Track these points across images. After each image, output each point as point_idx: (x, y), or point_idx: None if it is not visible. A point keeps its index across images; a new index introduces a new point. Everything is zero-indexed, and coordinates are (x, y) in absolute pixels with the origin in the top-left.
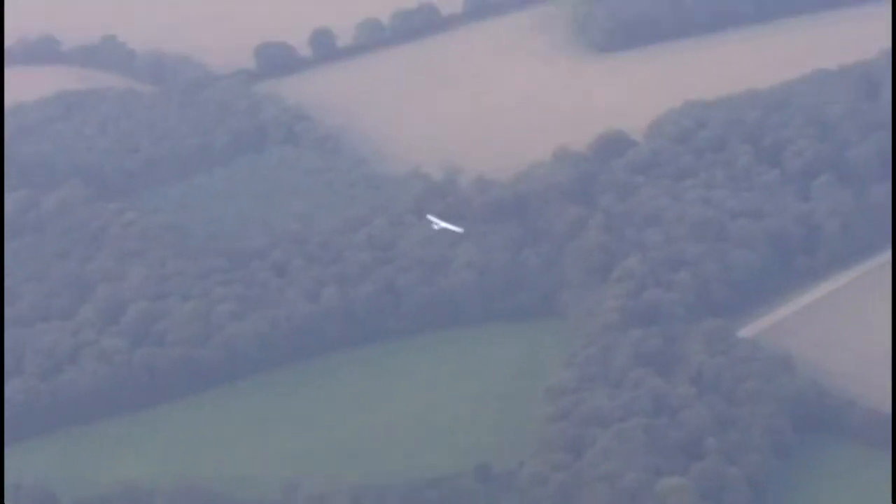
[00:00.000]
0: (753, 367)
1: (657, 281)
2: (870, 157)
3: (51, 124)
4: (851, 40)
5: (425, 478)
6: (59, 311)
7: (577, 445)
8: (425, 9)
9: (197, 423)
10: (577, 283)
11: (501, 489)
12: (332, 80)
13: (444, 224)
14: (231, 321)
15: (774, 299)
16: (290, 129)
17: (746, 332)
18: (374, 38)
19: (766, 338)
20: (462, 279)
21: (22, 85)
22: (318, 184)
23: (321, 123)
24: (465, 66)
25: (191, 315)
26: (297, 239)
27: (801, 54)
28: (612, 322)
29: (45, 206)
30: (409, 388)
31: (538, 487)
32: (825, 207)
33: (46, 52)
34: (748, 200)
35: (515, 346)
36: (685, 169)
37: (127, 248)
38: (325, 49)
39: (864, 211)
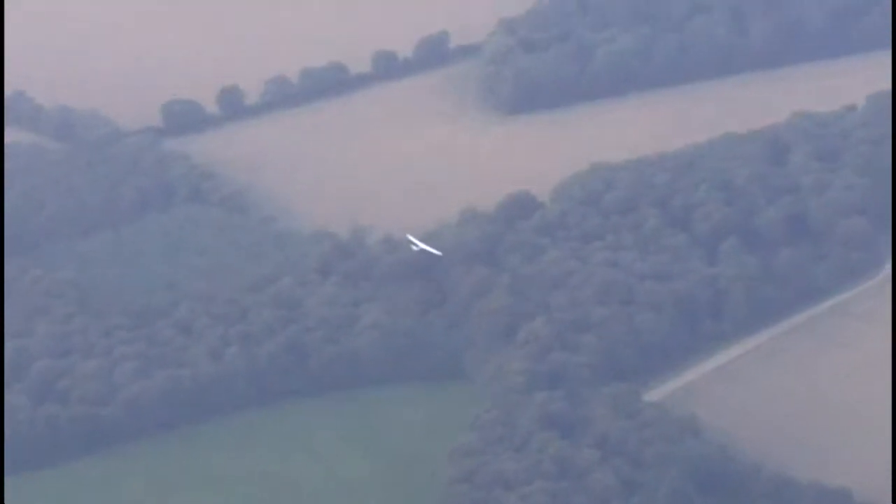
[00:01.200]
0: (659, 430)
1: (563, 343)
2: (777, 222)
3: None
4: (761, 104)
5: None
6: None
7: None
8: (334, 67)
9: (99, 482)
10: (483, 345)
11: None
12: (240, 138)
13: (423, 245)
14: (135, 379)
15: (681, 363)
16: (197, 187)
17: (652, 395)
18: (283, 95)
19: (672, 401)
20: (368, 339)
21: None
22: (225, 242)
23: (228, 181)
24: (374, 125)
25: (94, 373)
26: (202, 297)
27: (710, 118)
28: (517, 384)
29: None
30: (313, 448)
31: None
32: (732, 272)
33: None
34: (655, 263)
35: (420, 407)
36: (592, 231)
37: (31, 305)
38: (233, 107)
39: (770, 276)
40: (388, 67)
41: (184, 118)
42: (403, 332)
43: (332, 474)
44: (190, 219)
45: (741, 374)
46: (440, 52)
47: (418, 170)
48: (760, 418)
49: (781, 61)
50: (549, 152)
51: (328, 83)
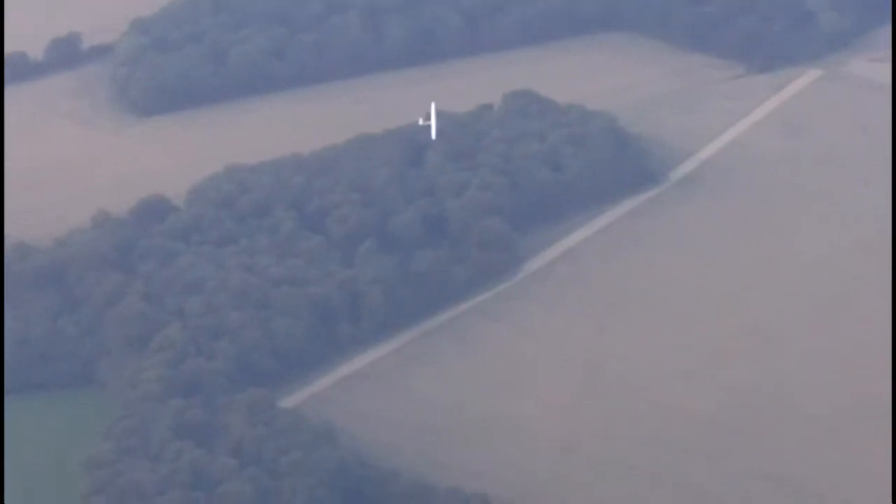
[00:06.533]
0: (296, 438)
1: (198, 350)
2: (413, 223)
3: None
4: (397, 105)
5: None
6: None
7: None
8: None
9: None
10: (117, 353)
11: None
12: None
13: (432, 121)
14: None
15: (318, 369)
16: None
17: (289, 402)
18: None
19: (308, 408)
20: None
21: None
22: None
23: None
24: (4, 129)
25: None
26: None
27: (346, 119)
28: (151, 392)
29: None
30: None
31: None
32: (368, 274)
33: None
34: (292, 267)
35: (52, 417)
36: (227, 235)
37: None
38: None
39: (407, 278)
40: (18, 69)
41: None
42: (35, 340)
43: None
44: None
45: (379, 378)
46: (72, 53)
47: (50, 174)
48: (399, 423)
49: (417, 61)
50: (184, 154)
51: None
